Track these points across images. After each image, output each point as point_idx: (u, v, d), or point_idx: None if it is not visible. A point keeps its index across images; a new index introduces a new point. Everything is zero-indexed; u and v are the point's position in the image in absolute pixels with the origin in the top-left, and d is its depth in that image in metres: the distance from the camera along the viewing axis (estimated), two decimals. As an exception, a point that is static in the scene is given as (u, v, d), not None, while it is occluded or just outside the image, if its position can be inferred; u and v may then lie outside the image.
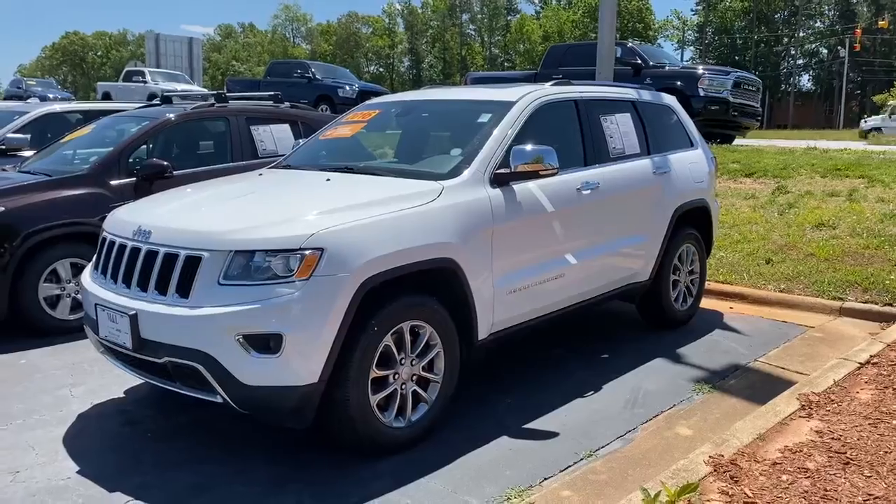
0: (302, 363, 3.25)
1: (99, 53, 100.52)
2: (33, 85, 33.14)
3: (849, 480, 3.06)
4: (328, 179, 4.20)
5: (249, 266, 3.30)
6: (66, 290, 5.54)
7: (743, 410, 4.19)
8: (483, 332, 4.06)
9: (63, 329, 5.47)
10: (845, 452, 3.32)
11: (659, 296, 5.57)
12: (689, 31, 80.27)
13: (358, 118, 5.09)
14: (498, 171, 4.12)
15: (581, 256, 4.65)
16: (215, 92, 8.24)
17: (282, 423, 3.52)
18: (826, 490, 2.98)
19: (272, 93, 7.72)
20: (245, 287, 3.28)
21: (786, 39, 74.79)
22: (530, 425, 4.02)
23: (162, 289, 3.43)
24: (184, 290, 3.36)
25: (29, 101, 11.99)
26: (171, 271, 3.41)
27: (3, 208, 5.35)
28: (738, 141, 15.06)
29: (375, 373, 3.50)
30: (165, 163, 5.94)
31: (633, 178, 5.14)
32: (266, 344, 3.23)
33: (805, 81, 78.80)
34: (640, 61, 14.12)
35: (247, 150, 6.72)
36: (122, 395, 4.42)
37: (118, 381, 4.52)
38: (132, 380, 4.37)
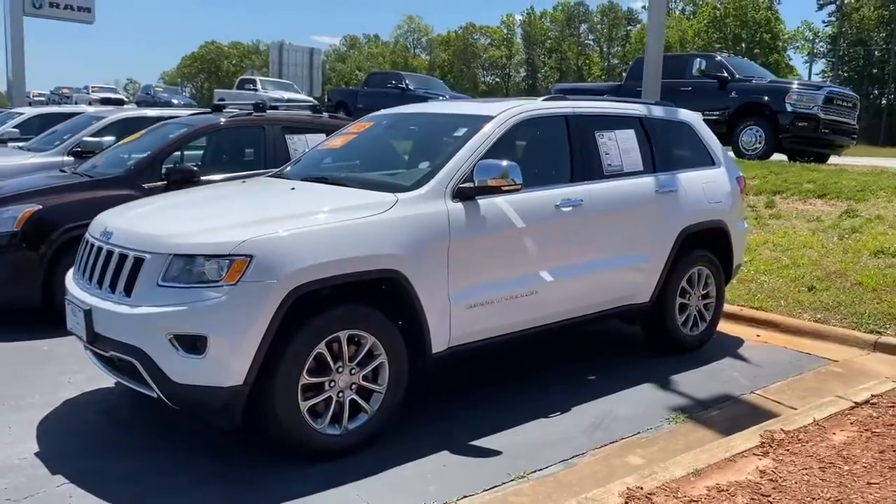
0: (226, 365, 3.38)
1: (233, 62, 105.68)
2: (160, 91, 35.61)
3: (754, 525, 2.89)
4: (293, 189, 4.34)
5: (185, 269, 3.46)
6: (94, 285, 5.94)
7: (708, 443, 3.99)
8: (439, 346, 4.07)
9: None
10: (770, 495, 3.12)
11: (662, 319, 5.38)
12: (821, 43, 76.08)
13: (353, 130, 5.22)
14: (462, 186, 4.13)
15: (560, 274, 4.56)
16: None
17: (211, 421, 3.67)
18: (722, 533, 2.82)
19: (312, 103, 7.99)
20: (179, 289, 3.44)
21: (931, 51, 69.52)
22: (477, 442, 3.99)
23: (113, 287, 3.66)
24: (129, 290, 3.57)
25: (125, 106, 12.84)
26: (121, 271, 3.63)
27: (40, 206, 5.82)
28: (833, 160, 14.22)
29: (306, 379, 3.58)
30: (194, 168, 6.27)
31: (628, 196, 5.00)
32: (193, 344, 3.38)
33: (953, 96, 72.86)
34: (726, 74, 13.57)
35: (280, 157, 6.95)
36: (111, 386, 4.70)
37: (113, 373, 4.81)
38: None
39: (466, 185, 4.13)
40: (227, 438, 3.94)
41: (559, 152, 4.78)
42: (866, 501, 3.04)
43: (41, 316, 5.92)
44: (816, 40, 75.74)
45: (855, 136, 13.92)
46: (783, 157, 13.61)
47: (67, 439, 3.96)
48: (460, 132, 4.46)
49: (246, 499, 3.35)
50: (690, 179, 5.44)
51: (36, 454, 3.75)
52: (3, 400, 4.45)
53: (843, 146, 13.95)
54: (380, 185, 4.23)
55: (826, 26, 74.84)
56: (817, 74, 73.99)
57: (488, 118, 4.48)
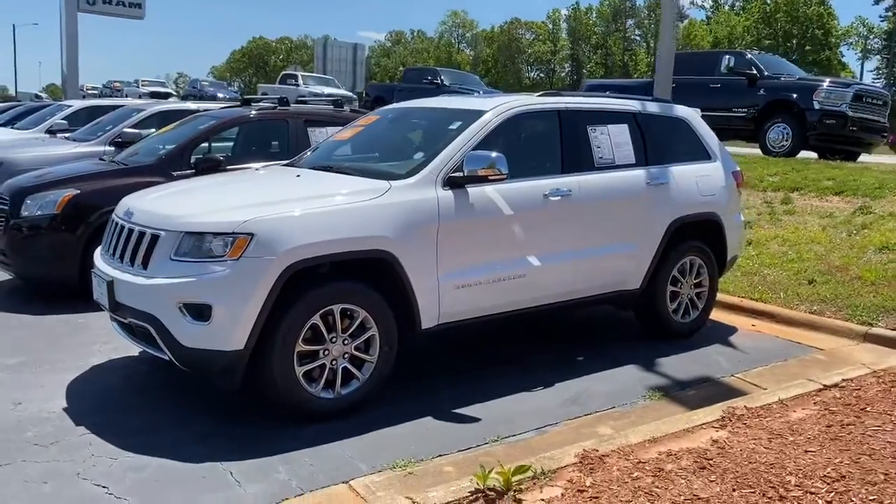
0: (228, 331, 3.78)
1: (280, 57, 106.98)
2: (207, 85, 36.51)
3: (688, 482, 3.17)
4: (298, 176, 4.73)
5: (195, 245, 3.87)
6: (126, 264, 6.43)
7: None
8: (428, 322, 4.41)
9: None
10: (712, 459, 3.40)
11: (653, 306, 5.64)
12: (875, 39, 74.18)
13: (361, 123, 5.60)
14: (452, 175, 4.47)
15: (547, 259, 4.86)
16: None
17: (214, 382, 4.08)
18: (657, 487, 3.12)
19: (335, 98, 8.39)
20: (189, 263, 3.86)
21: None
22: (459, 410, 4.33)
23: (133, 261, 4.09)
24: (146, 263, 4.00)
25: (169, 99, 13.43)
26: (140, 246, 4.06)
27: (78, 191, 6.33)
28: (863, 158, 14.15)
29: (302, 347, 3.96)
30: (220, 158, 6.72)
31: (617, 188, 5.27)
32: (200, 312, 3.79)
33: None
34: (754, 71, 13.61)
35: (303, 148, 7.30)
36: (135, 355, 5.15)
37: (139, 343, 5.27)
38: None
39: (456, 174, 4.46)
40: (229, 401, 4.35)
41: (550, 145, 5.08)
42: (797, 465, 3.30)
43: (78, 292, 6.44)
44: (871, 36, 73.99)
45: (885, 134, 13.84)
46: (813, 155, 13.61)
47: (91, 398, 4.42)
48: (455, 125, 4.80)
49: (243, 453, 3.72)
50: (683, 173, 5.68)
51: (63, 409, 4.21)
52: (39, 364, 4.94)
53: (873, 144, 13.90)
54: (376, 174, 4.59)
55: (882, 21, 72.95)
56: (870, 72, 72.41)
57: (481, 112, 4.81)
